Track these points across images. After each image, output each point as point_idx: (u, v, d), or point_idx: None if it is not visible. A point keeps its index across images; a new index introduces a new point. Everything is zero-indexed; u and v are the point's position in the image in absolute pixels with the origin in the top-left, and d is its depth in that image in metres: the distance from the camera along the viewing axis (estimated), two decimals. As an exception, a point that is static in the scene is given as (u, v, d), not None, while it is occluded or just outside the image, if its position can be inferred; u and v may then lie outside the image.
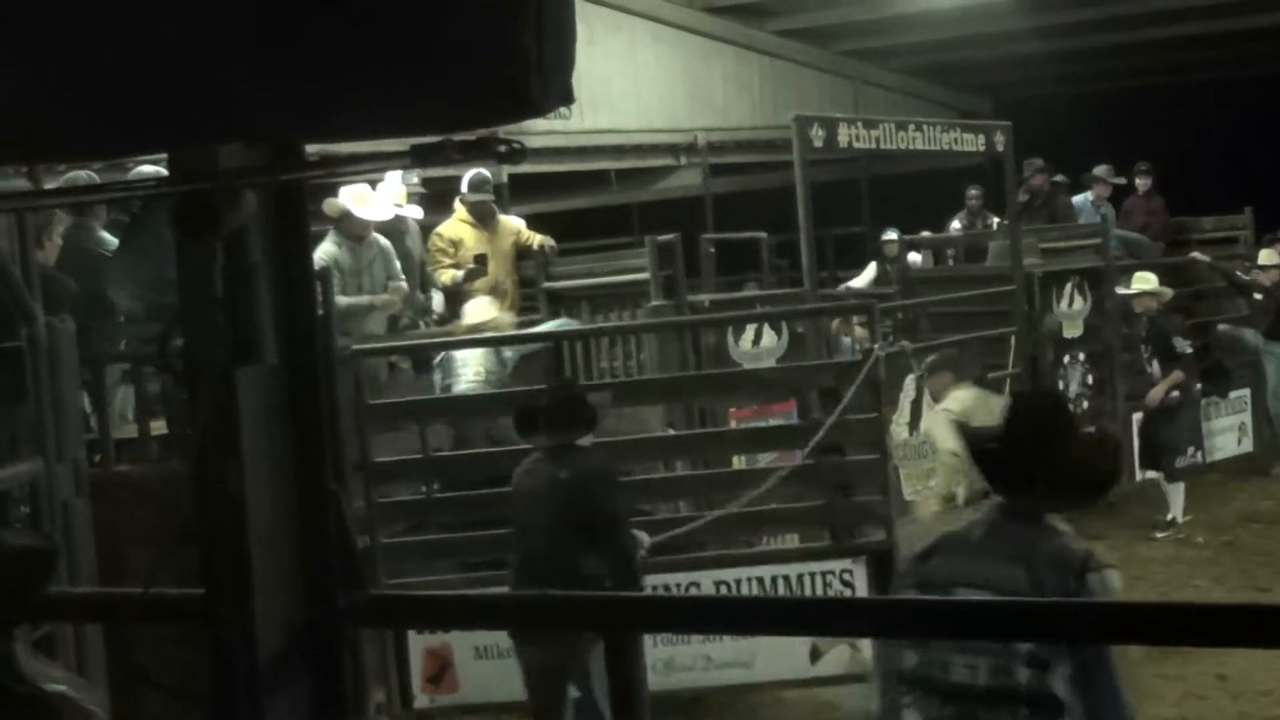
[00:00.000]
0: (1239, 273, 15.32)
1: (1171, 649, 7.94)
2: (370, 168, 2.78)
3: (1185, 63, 22.38)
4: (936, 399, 11.59)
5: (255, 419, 2.84)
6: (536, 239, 11.73)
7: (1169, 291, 13.58)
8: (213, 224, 2.66)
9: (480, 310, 10.69)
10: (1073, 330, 13.80)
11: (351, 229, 10.53)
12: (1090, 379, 13.46)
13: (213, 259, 2.73)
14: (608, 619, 3.34)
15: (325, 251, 10.22)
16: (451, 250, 11.37)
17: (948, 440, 11.16)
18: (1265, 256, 15.16)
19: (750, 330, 11.08)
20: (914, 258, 16.69)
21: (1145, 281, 13.41)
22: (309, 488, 2.93)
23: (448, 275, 11.32)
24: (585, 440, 7.40)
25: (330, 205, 10.28)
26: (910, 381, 12.27)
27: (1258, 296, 14.90)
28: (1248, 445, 14.52)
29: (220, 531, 2.86)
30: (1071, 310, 13.85)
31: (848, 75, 20.84)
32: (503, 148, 2.45)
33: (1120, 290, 13.69)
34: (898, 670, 4.12)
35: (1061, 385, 13.49)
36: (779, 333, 11.23)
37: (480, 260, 11.32)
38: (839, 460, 8.99)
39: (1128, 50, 21.42)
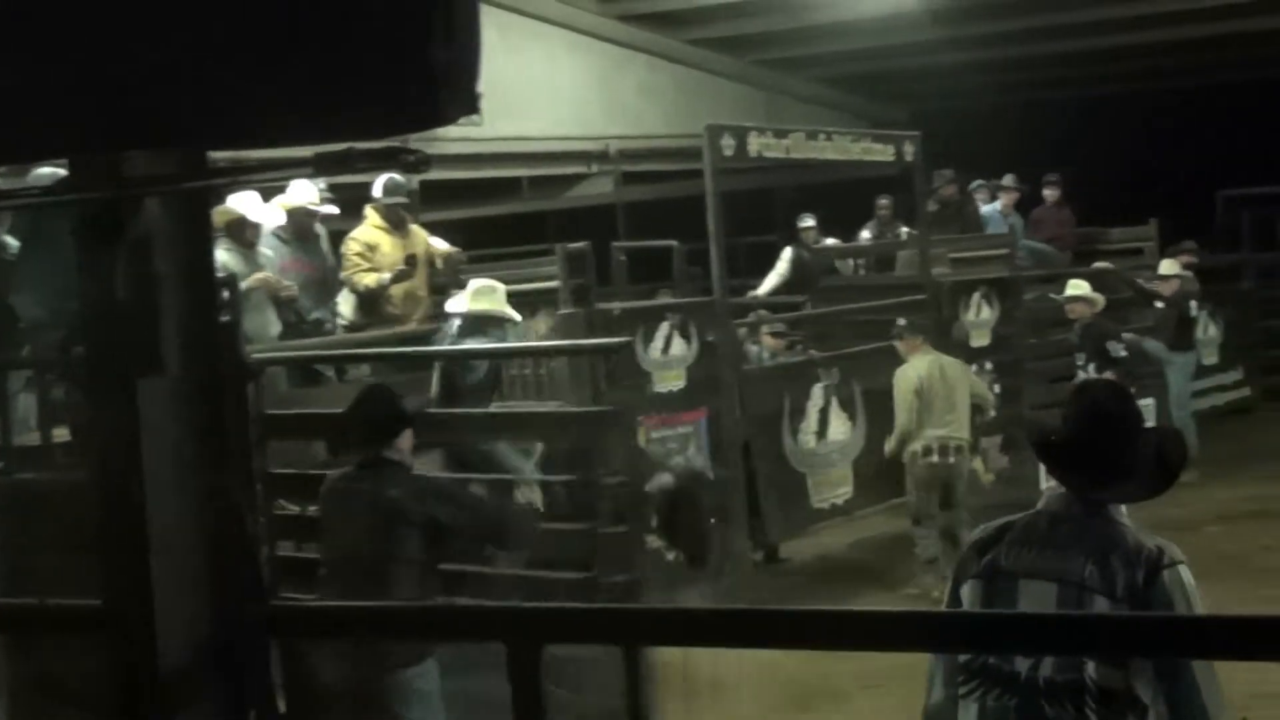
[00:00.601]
0: (1143, 282, 15.53)
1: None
2: (275, 175, 2.75)
3: (1100, 75, 22.59)
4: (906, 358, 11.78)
5: (158, 428, 2.81)
6: (440, 251, 11.70)
7: (1102, 298, 13.75)
8: (115, 232, 2.64)
9: (483, 295, 10.05)
10: (981, 339, 13.92)
11: (243, 235, 10.45)
12: (998, 388, 13.57)
13: (115, 267, 2.70)
14: (516, 630, 3.32)
15: (218, 259, 10.09)
16: (369, 254, 11.30)
17: (905, 390, 11.52)
18: (1166, 267, 15.37)
19: (660, 338, 11.12)
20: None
21: (1079, 288, 13.57)
22: (212, 498, 2.91)
23: (371, 278, 11.24)
24: (398, 453, 6.76)
25: (221, 212, 10.16)
26: (818, 390, 12.35)
27: (1159, 305, 15.11)
28: (1152, 454, 14.66)
29: (122, 541, 2.84)
30: (980, 319, 13.97)
31: (761, 85, 20.89)
32: (409, 157, 2.44)
33: (1053, 296, 13.85)
34: (958, 661, 4.07)
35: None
36: (689, 340, 11.28)
37: (410, 262, 11.29)
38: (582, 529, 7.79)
39: (1042, 62, 21.60)
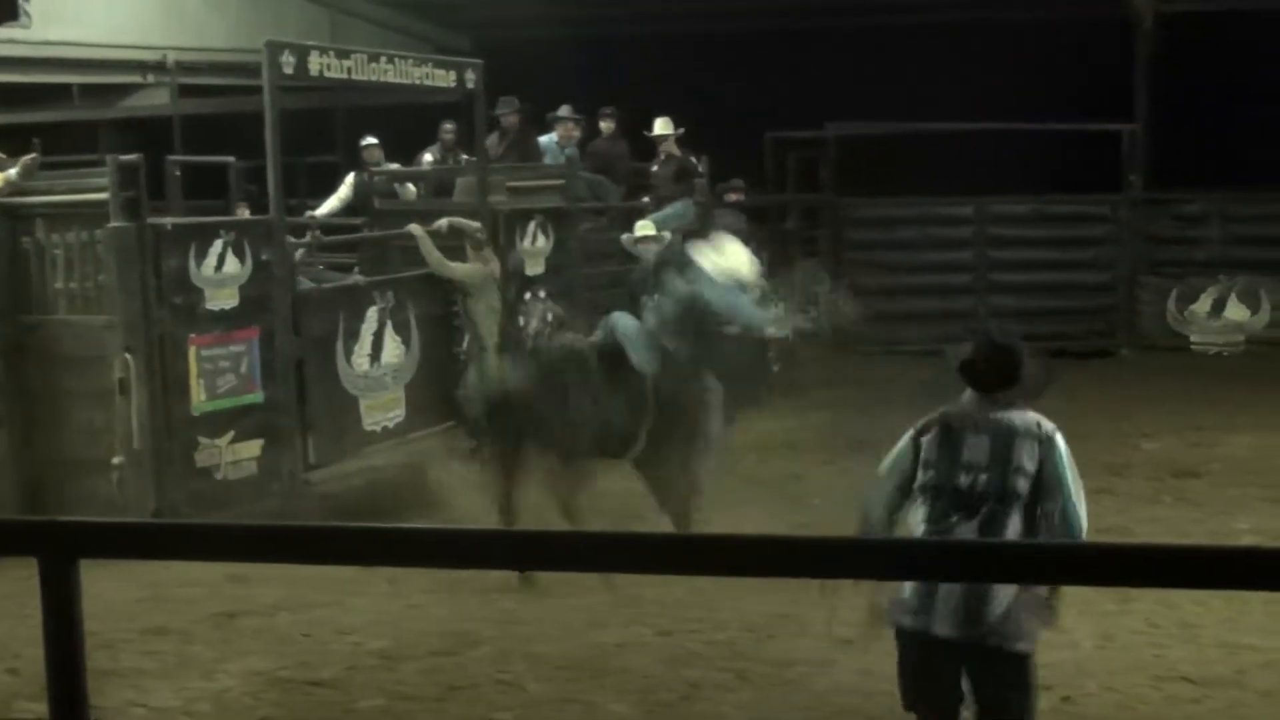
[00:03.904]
0: None
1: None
2: None
3: (659, 13, 23.07)
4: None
5: None
6: None
7: (669, 236, 13.76)
8: None
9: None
10: (535, 268, 14.17)
11: None
12: (551, 316, 13.82)
13: None
14: (49, 544, 3.31)
15: None
16: None
17: None
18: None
19: (214, 255, 10.98)
20: (410, 190, 16.82)
21: (647, 228, 13.44)
22: None
23: None
24: None
25: None
26: (373, 313, 12.38)
27: None
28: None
29: None
30: (535, 248, 14.23)
31: (327, 3, 20.67)
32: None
33: (624, 236, 13.77)
34: (913, 483, 6.05)
35: (522, 321, 13.84)
36: (243, 259, 11.16)
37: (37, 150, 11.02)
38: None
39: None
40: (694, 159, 16.35)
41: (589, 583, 8.96)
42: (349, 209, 15.81)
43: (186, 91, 18.71)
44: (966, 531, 5.94)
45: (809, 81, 21.40)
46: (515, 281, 13.67)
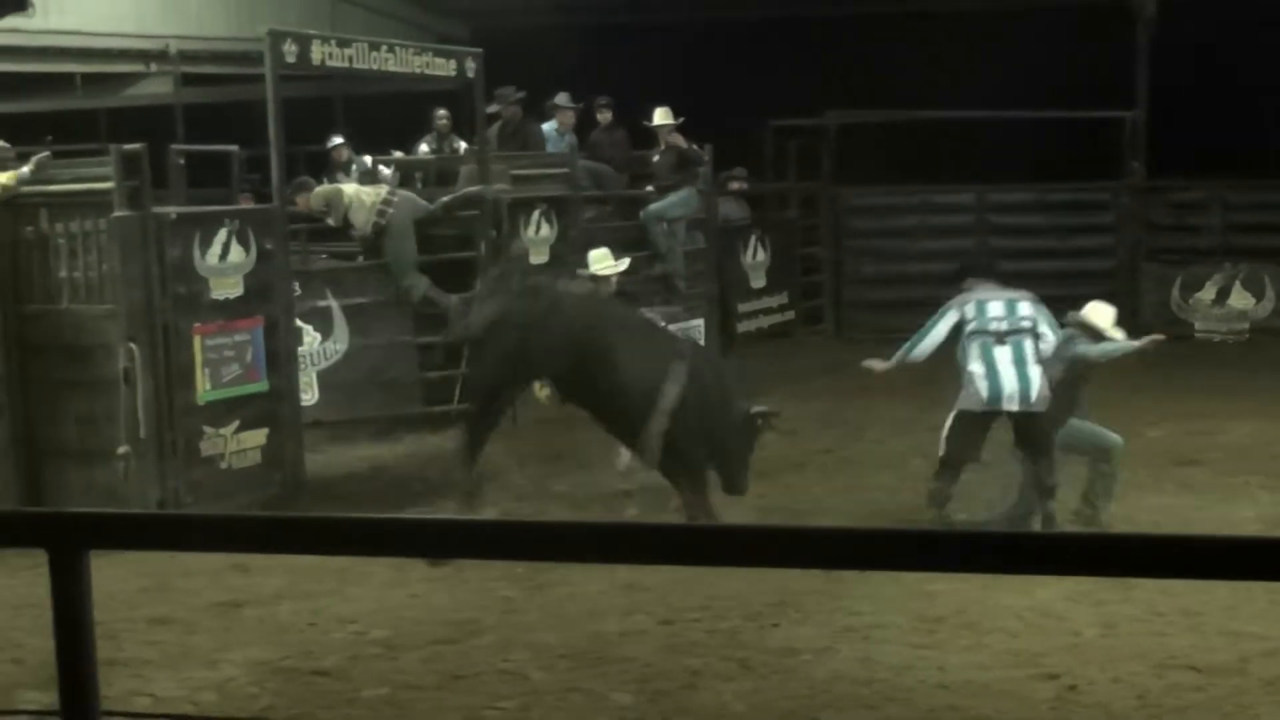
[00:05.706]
0: None
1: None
2: None
3: (660, 1, 23.06)
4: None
5: None
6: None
7: (626, 261, 12.46)
8: None
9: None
10: (539, 256, 14.18)
11: None
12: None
13: None
14: (54, 535, 3.32)
15: None
16: None
17: None
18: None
19: (218, 244, 10.98)
20: (384, 173, 16.74)
21: (601, 261, 11.99)
22: None
23: (5, 176, 10.85)
24: None
25: None
26: None
27: None
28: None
29: None
30: (538, 237, 14.23)
31: (325, -9, 20.65)
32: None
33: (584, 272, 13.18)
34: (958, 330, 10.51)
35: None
36: (247, 248, 11.16)
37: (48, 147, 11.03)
38: None
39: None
40: (697, 147, 16.33)
41: (588, 572, 8.98)
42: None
43: (188, 80, 18.69)
44: (1004, 353, 10.25)
45: (809, 69, 21.39)
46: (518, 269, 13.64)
